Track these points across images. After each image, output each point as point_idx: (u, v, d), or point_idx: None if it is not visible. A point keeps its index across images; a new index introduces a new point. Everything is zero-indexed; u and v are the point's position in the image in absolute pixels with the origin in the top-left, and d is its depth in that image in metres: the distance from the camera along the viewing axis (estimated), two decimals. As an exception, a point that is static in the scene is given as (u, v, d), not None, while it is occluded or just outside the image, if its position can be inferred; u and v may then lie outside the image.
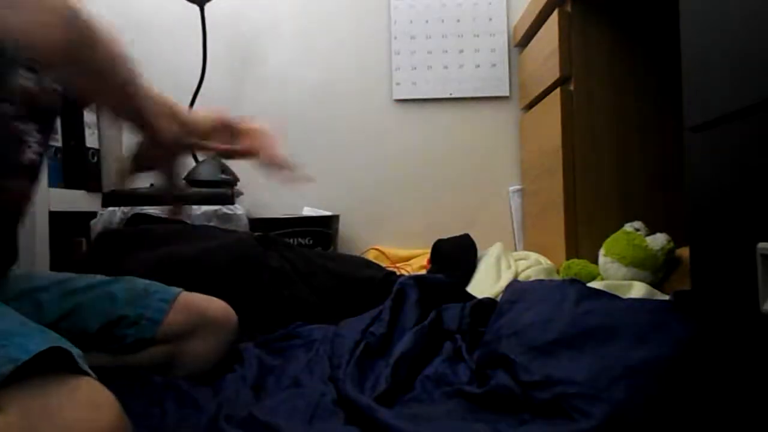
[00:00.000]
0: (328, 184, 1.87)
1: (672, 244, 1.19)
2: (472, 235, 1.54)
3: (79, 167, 1.63)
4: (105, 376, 0.56)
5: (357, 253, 1.71)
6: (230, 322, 0.91)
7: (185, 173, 1.64)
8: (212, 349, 0.87)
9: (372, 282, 1.22)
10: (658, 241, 1.18)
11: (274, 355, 0.95)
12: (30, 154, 0.72)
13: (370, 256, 1.72)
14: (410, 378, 0.81)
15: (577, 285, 0.83)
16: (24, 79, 0.69)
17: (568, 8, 1.38)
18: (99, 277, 0.87)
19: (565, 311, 0.76)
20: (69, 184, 1.57)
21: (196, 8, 1.70)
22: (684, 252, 1.19)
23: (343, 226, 1.80)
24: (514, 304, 0.86)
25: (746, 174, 0.52)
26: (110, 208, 1.47)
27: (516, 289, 0.92)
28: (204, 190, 1.54)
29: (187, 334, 0.85)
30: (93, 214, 1.50)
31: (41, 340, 0.52)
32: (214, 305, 0.90)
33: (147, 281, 0.89)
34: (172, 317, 0.84)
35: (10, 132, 0.68)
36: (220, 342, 0.88)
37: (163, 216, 1.45)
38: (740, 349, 0.54)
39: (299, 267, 1.24)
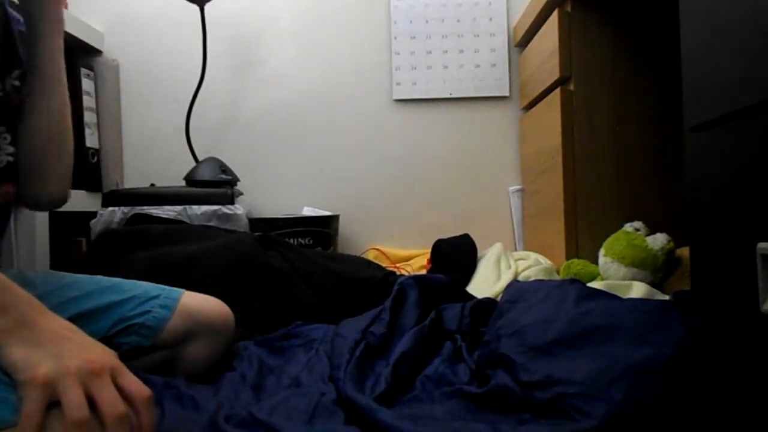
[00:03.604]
0: (327, 184, 1.87)
1: (672, 244, 1.19)
2: (472, 235, 1.54)
3: (79, 167, 1.62)
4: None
5: (357, 253, 1.71)
6: (228, 324, 0.90)
7: (186, 173, 1.65)
8: (210, 352, 0.87)
9: (372, 282, 1.22)
10: (658, 241, 1.18)
11: (274, 354, 0.95)
12: (2, 156, 0.71)
13: (370, 256, 1.72)
14: (410, 378, 0.81)
15: (577, 285, 0.83)
16: None
17: (568, 8, 1.38)
18: (98, 280, 0.85)
19: (565, 311, 0.76)
20: (69, 184, 1.57)
21: (196, 8, 1.70)
22: (684, 252, 1.19)
23: (343, 226, 1.80)
24: (514, 304, 0.86)
25: (746, 174, 0.52)
26: (110, 208, 1.47)
27: (516, 289, 0.92)
28: (204, 189, 1.54)
29: (186, 339, 0.85)
30: (93, 214, 1.50)
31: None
32: (212, 308, 0.89)
33: (147, 284, 0.87)
34: (170, 324, 0.83)
35: None
36: (218, 344, 0.88)
37: (163, 216, 1.45)
38: (740, 349, 0.54)
39: (299, 267, 1.24)
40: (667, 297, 0.99)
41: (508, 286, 0.96)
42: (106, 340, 0.80)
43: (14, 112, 0.75)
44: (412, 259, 1.73)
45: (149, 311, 0.83)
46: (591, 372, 0.64)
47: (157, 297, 0.85)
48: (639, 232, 1.22)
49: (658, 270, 1.18)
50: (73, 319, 0.76)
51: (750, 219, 0.51)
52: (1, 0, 0.73)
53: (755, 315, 0.49)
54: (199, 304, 0.88)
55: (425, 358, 0.86)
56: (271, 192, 1.86)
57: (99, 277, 0.87)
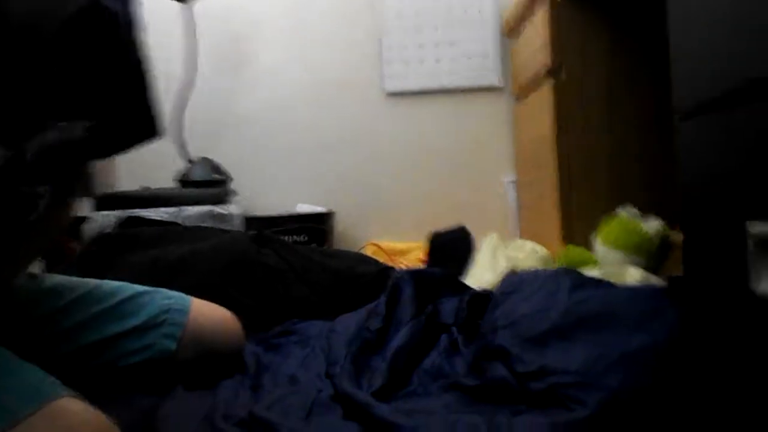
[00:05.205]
0: (322, 179, 1.87)
1: (666, 229, 1.19)
2: (467, 227, 1.54)
3: (71, 171, 1.61)
4: (99, 387, 0.56)
5: (354, 249, 1.71)
6: (240, 342, 0.89)
7: (179, 174, 1.64)
8: (215, 367, 0.86)
9: (368, 277, 1.22)
10: (653, 226, 1.18)
11: (271, 351, 0.95)
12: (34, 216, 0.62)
13: (369, 251, 1.72)
14: (407, 372, 0.81)
15: (571, 274, 0.83)
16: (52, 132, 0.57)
17: (558, -3, 1.37)
18: (103, 295, 0.79)
19: (560, 301, 0.76)
20: (62, 188, 1.56)
21: (186, 7, 1.69)
22: (679, 237, 1.19)
23: (338, 222, 1.80)
24: (509, 294, 0.86)
25: (734, 156, 0.52)
26: (103, 212, 1.47)
27: (511, 279, 0.92)
28: (197, 190, 1.54)
29: (196, 361, 0.82)
30: (85, 218, 1.49)
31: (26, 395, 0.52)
32: (225, 329, 0.86)
33: (156, 302, 0.81)
34: (178, 354, 0.80)
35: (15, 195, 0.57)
36: (228, 358, 0.87)
37: (156, 218, 1.44)
38: (732, 329, 0.54)
39: (295, 264, 1.23)
40: (662, 282, 0.99)
41: (505, 277, 0.96)
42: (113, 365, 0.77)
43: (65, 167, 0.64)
44: (410, 252, 1.73)
45: (152, 345, 0.78)
46: (586, 361, 0.64)
47: (161, 324, 0.79)
48: (633, 217, 1.22)
49: (653, 255, 1.18)
50: (80, 350, 0.75)
51: (739, 201, 0.51)
52: None
53: (746, 294, 0.49)
54: (210, 325, 0.84)
55: (422, 352, 0.86)
56: (265, 190, 1.86)
57: (108, 287, 0.82)
